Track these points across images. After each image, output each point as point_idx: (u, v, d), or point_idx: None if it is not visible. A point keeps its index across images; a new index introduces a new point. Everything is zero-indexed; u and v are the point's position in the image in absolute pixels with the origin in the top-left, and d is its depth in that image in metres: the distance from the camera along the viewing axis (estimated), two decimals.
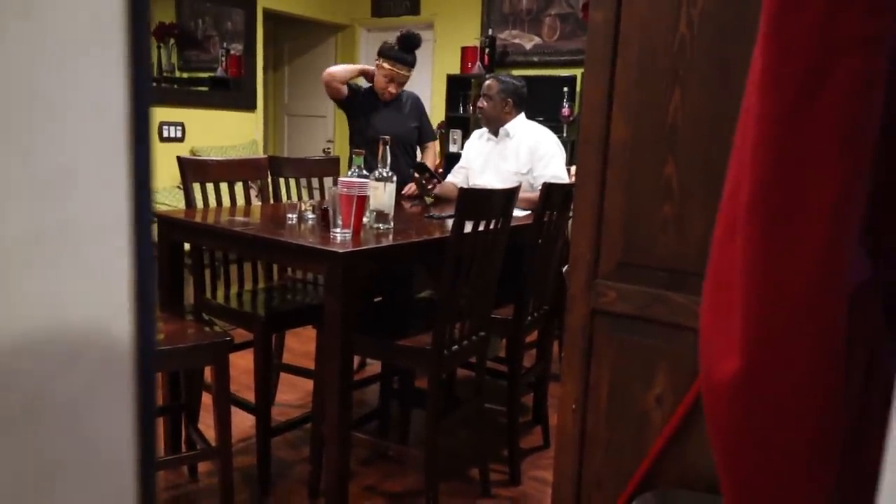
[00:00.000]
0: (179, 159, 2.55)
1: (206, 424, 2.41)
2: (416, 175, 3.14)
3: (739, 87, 1.26)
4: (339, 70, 3.33)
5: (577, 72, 4.71)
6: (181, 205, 3.65)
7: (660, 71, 1.31)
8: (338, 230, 2.08)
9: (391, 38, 3.29)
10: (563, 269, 2.99)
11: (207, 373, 2.38)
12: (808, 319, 0.49)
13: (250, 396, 2.52)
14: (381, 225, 2.29)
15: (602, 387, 1.48)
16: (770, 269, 0.50)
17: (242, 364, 2.97)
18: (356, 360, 3.30)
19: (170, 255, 2.42)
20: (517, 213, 2.61)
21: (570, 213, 2.95)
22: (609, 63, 1.36)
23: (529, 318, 2.55)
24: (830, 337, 0.49)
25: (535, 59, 4.98)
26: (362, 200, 2.13)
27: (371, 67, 3.33)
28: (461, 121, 5.23)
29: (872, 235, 0.53)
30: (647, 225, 1.36)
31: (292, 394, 3.22)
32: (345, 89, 3.30)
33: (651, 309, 1.38)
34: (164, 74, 4.74)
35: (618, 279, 1.42)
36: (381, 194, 2.30)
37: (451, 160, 4.91)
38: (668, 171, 1.32)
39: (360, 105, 3.31)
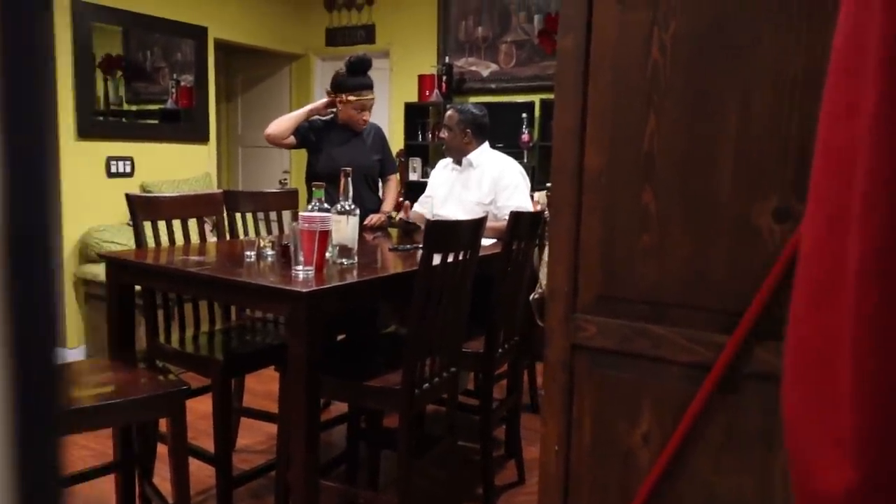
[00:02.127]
0: (128, 196, 2.43)
1: (163, 477, 2.27)
2: (401, 221, 3.09)
3: (716, 112, 1.24)
4: (278, 129, 3.15)
5: (536, 98, 4.73)
6: (132, 243, 3.50)
7: (634, 97, 1.28)
8: (300, 268, 2.00)
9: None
10: (531, 298, 2.96)
11: (163, 422, 2.25)
12: None
13: (209, 444, 2.39)
14: (344, 260, 2.21)
15: (585, 424, 1.42)
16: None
17: (200, 409, 2.83)
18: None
19: (119, 299, 2.29)
20: (484, 241, 2.56)
21: (537, 242, 2.93)
22: (580, 89, 1.32)
23: (500, 349, 2.49)
24: None
25: (493, 85, 4.99)
26: (325, 236, 2.05)
27: (318, 103, 3.23)
28: (420, 149, 5.20)
29: None
30: (626, 255, 1.32)
31: (254, 438, 3.09)
32: (291, 139, 3.18)
33: (633, 343, 1.33)
34: (112, 108, 4.60)
35: (597, 312, 1.37)
36: (344, 228, 2.22)
37: (411, 188, 4.86)
38: (646, 199, 1.28)
39: (317, 141, 3.21)
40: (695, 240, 1.25)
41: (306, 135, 3.19)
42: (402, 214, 3.15)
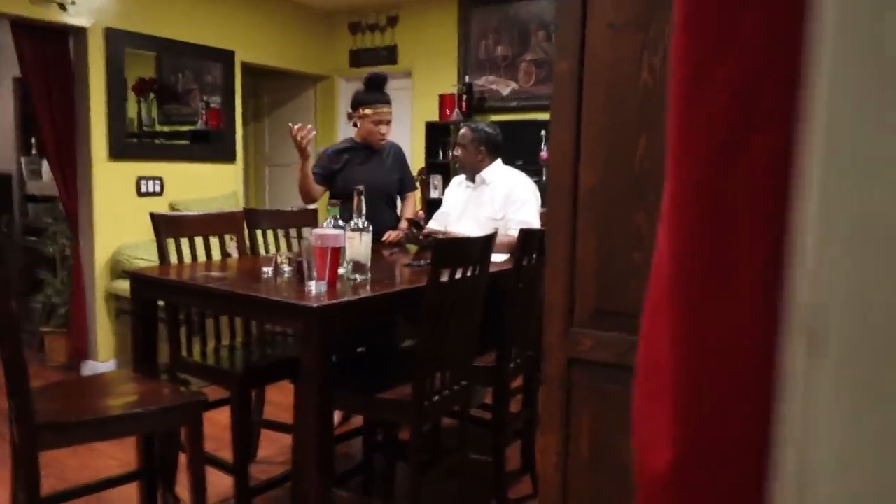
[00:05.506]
0: (152, 215, 2.52)
1: (184, 486, 2.33)
2: (413, 231, 3.11)
3: None
4: (305, 194, 3.18)
5: None
6: None
7: (625, 118, 1.30)
8: (312, 283, 2.05)
9: None
10: None
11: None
12: (739, 407, 0.46)
13: (230, 454, 2.44)
14: (358, 276, 2.26)
15: (583, 437, 1.44)
16: (695, 351, 0.47)
17: (223, 420, 2.89)
18: (340, 412, 3.22)
19: (143, 313, 2.37)
20: (496, 257, 2.59)
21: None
22: (575, 112, 1.36)
23: (513, 364, 2.51)
24: (767, 426, 0.46)
25: (513, 104, 5.04)
26: (337, 252, 2.10)
27: (301, 158, 3.05)
28: (441, 167, 5.26)
29: None
30: (620, 271, 1.34)
31: (274, 449, 3.14)
32: (320, 188, 3.20)
33: (630, 356, 1.34)
34: (145, 129, 4.75)
35: (593, 326, 1.39)
36: (358, 244, 2.27)
37: (432, 205, 4.91)
38: (638, 219, 1.30)
39: (341, 167, 3.27)
40: None
41: (328, 167, 3.24)
42: (409, 216, 3.22)
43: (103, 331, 4.22)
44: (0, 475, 2.80)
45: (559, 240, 1.40)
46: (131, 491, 2.50)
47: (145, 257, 4.00)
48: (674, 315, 0.47)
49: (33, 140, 5.39)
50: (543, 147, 4.67)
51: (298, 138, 2.88)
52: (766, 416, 0.45)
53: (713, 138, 0.46)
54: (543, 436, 1.48)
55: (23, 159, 5.54)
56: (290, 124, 2.94)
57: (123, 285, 3.98)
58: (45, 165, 5.10)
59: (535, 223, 2.86)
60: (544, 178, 4.57)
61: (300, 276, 2.22)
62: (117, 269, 4.13)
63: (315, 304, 1.87)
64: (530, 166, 4.17)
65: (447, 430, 3.03)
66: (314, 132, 2.96)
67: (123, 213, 4.21)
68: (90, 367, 4.13)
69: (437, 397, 2.10)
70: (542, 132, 4.68)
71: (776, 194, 0.44)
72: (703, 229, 0.46)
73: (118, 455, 3.01)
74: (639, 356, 0.53)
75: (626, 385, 1.37)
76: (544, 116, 4.79)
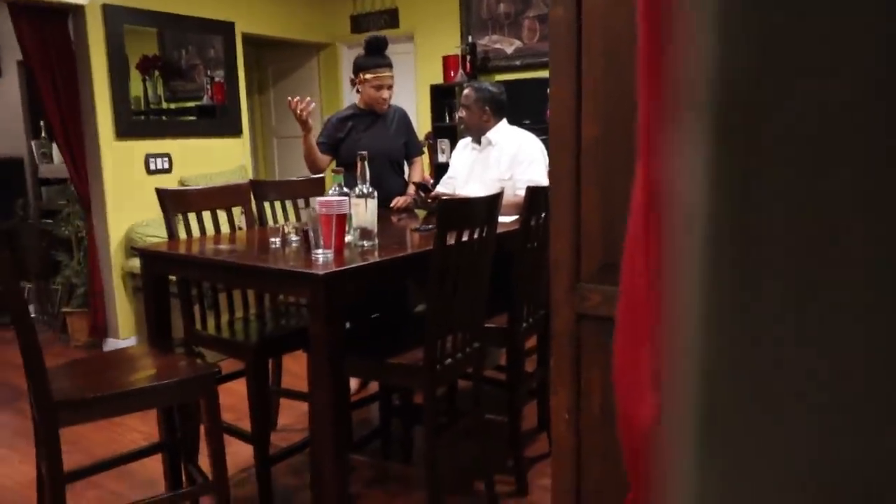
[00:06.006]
0: (158, 191, 2.50)
1: (207, 456, 2.36)
2: (419, 193, 3.07)
3: None
4: (311, 165, 3.16)
5: None
6: None
7: (626, 65, 1.25)
8: (319, 251, 2.03)
9: None
10: None
11: None
12: None
13: (250, 424, 2.46)
14: (365, 242, 2.23)
15: (594, 394, 1.41)
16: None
17: (242, 391, 2.90)
18: (357, 379, 3.23)
19: (155, 289, 2.37)
20: (504, 218, 2.55)
21: None
22: (574, 61, 1.31)
23: (525, 324, 2.49)
24: None
25: (518, 62, 4.93)
26: (342, 219, 2.07)
27: (301, 130, 3.02)
28: (448, 130, 5.18)
29: None
30: (626, 223, 1.30)
31: (293, 417, 3.16)
32: (326, 157, 3.18)
33: None
34: (151, 106, 4.71)
35: (601, 281, 1.36)
36: (363, 211, 2.24)
37: (440, 169, 4.85)
38: None
39: (345, 135, 3.23)
40: None
41: (333, 135, 3.20)
42: (417, 179, 3.19)
43: (122, 308, 4.25)
44: (27, 452, 2.85)
45: (563, 194, 1.36)
46: (156, 463, 2.53)
47: (157, 234, 4.00)
48: (650, 250, 0.43)
49: (42, 123, 5.38)
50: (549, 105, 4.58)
51: (298, 111, 2.85)
52: None
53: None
54: (555, 394, 1.46)
55: (33, 143, 5.54)
56: (289, 98, 2.92)
57: (138, 263, 4.00)
58: (55, 148, 5.10)
59: (544, 182, 2.80)
60: None
61: (307, 245, 2.20)
62: (131, 248, 4.15)
63: (322, 272, 1.85)
64: (537, 125, 4.09)
65: (463, 391, 3.03)
66: (313, 104, 2.93)
67: (134, 191, 4.21)
68: (112, 345, 4.18)
69: (449, 360, 2.09)
70: (548, 90, 4.59)
71: None
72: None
73: (142, 429, 3.05)
74: (619, 302, 0.49)
75: None
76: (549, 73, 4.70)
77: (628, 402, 0.47)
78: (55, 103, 3.98)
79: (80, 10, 3.97)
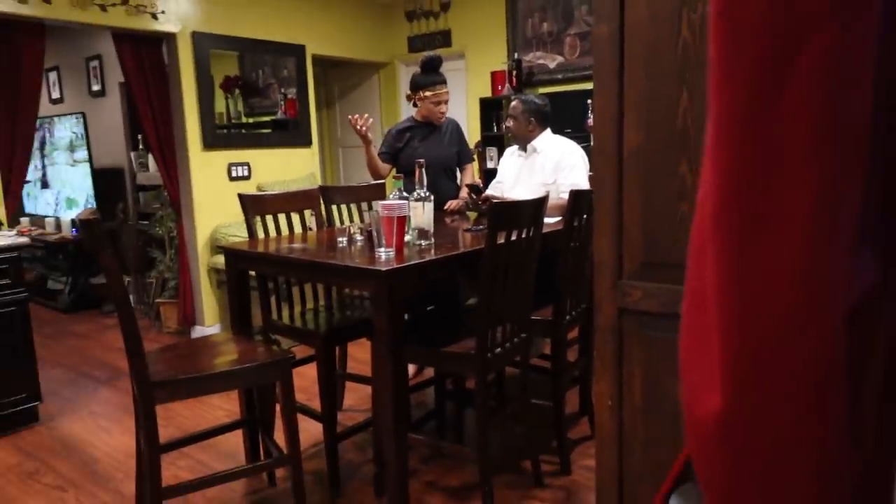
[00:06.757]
0: (240, 196, 2.56)
1: (282, 432, 2.40)
2: (472, 196, 3.06)
3: None
4: (373, 172, 3.19)
5: None
6: None
7: (666, 76, 1.22)
8: (382, 249, 2.05)
9: None
10: None
11: None
12: (792, 346, 0.39)
13: (319, 404, 2.50)
14: (422, 241, 2.24)
15: (635, 384, 1.38)
16: (744, 290, 0.41)
17: (312, 375, 2.95)
18: (414, 365, 3.25)
19: (237, 283, 2.43)
20: (549, 220, 2.52)
21: None
22: (617, 74, 1.28)
23: (568, 317, 2.46)
24: (824, 363, 0.39)
25: (559, 76, 4.87)
26: (402, 220, 2.09)
27: (362, 141, 3.07)
28: (495, 139, 5.16)
29: (885, 236, 0.42)
30: (666, 224, 1.27)
31: (357, 399, 3.20)
32: (386, 166, 3.20)
33: (676, 305, 1.28)
34: (232, 121, 4.84)
35: (642, 278, 1.33)
36: (421, 213, 2.25)
37: (488, 175, 4.83)
38: (682, 170, 1.22)
39: (404, 144, 3.25)
40: None
41: (393, 146, 3.22)
42: (470, 181, 3.18)
43: (208, 300, 4.38)
44: (128, 425, 2.97)
45: (605, 198, 1.33)
46: (237, 438, 2.60)
47: (238, 234, 4.11)
48: (718, 256, 0.41)
49: (139, 136, 5.59)
50: (589, 115, 4.50)
51: (358, 127, 2.90)
52: (820, 354, 0.39)
53: (757, 49, 0.38)
54: (598, 383, 1.43)
55: (132, 154, 5.76)
56: (350, 116, 2.97)
57: (221, 259, 4.11)
58: (150, 158, 5.28)
59: (585, 186, 2.76)
60: (591, 143, 4.42)
61: (371, 244, 2.22)
62: (216, 246, 4.27)
63: (384, 269, 1.86)
64: (577, 133, 4.04)
65: (510, 378, 3.01)
66: (371, 120, 2.98)
67: (218, 196, 4.33)
68: (199, 332, 4.31)
69: (498, 349, 2.08)
70: (588, 101, 4.51)
71: (835, 112, 0.37)
72: (748, 161, 0.39)
73: (226, 407, 3.13)
74: (685, 298, 0.47)
75: (675, 333, 1.31)
76: (589, 86, 4.62)
77: (692, 396, 0.45)
78: (151, 119, 4.12)
79: (172, 37, 4.10)
